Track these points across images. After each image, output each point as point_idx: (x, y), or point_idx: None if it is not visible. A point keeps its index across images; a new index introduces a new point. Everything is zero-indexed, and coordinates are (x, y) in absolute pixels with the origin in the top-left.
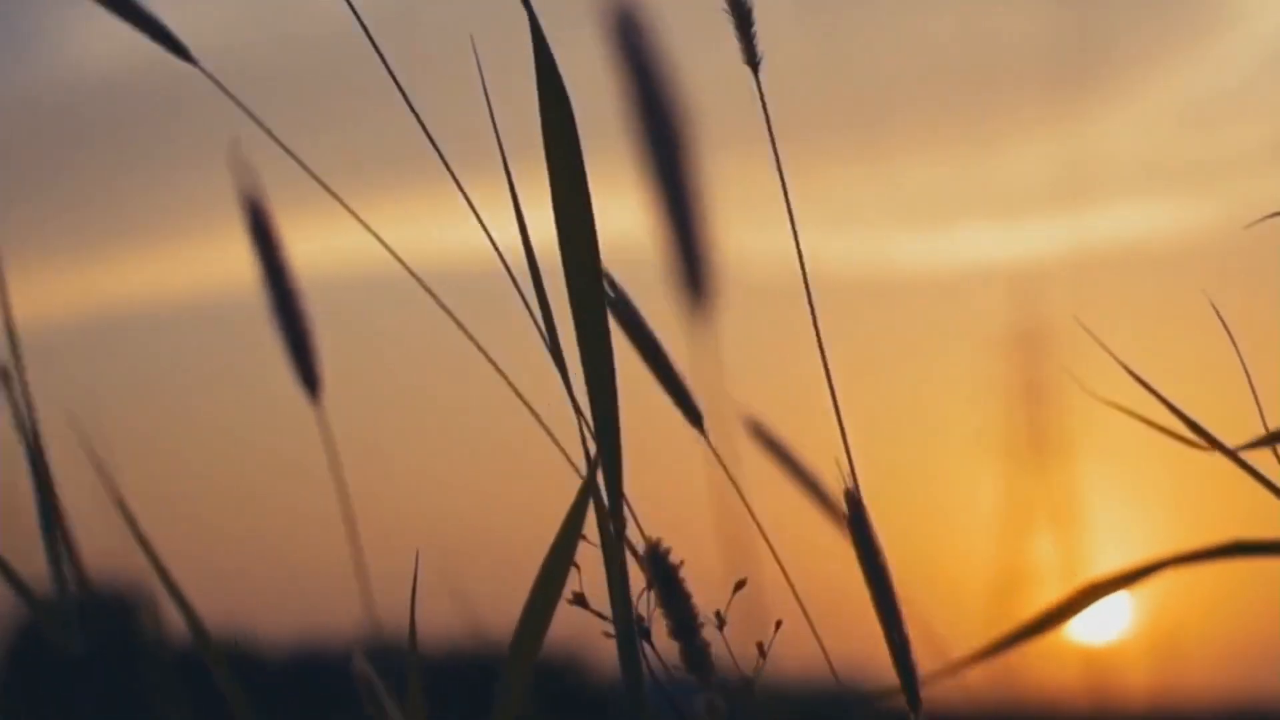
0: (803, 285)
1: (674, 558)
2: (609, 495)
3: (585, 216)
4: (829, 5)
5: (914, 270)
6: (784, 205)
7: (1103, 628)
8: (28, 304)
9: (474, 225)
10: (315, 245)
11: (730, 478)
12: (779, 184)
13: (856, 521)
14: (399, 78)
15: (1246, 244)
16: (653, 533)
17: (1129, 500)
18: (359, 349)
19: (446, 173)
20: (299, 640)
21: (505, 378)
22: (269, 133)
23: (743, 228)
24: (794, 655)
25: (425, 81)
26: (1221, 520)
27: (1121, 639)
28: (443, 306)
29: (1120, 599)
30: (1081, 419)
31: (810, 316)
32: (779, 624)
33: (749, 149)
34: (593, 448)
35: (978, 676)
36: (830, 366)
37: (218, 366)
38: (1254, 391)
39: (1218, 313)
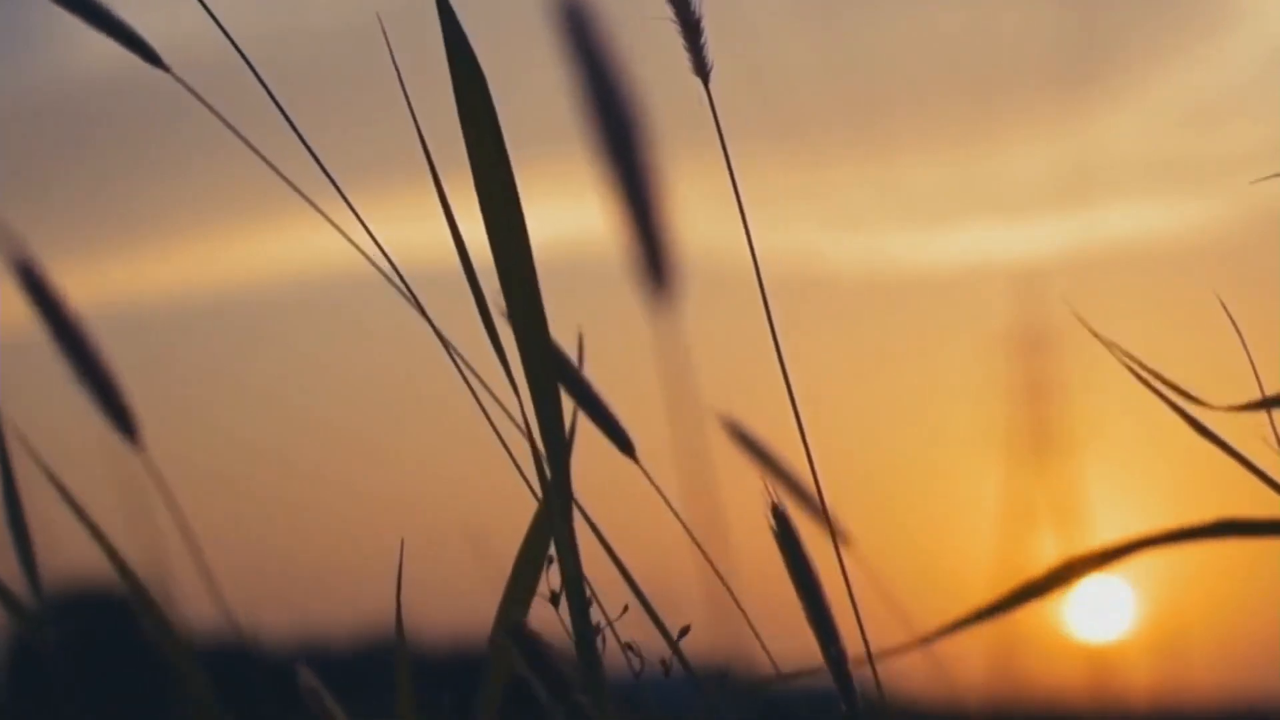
0: (758, 282)
1: (537, 637)
2: (557, 516)
3: (510, 198)
4: (832, 3)
5: (917, 268)
6: (736, 206)
7: (1105, 626)
8: (20, 303)
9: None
10: (317, 243)
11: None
12: (730, 184)
13: (785, 536)
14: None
15: (1250, 241)
16: (626, 541)
17: (1132, 498)
18: (361, 347)
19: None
20: (301, 639)
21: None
22: (240, 136)
23: (737, 227)
24: (775, 653)
25: (423, 81)
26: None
27: (1124, 637)
28: (414, 301)
29: (1122, 596)
30: (1085, 417)
31: (766, 313)
32: (685, 629)
33: (751, 149)
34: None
35: (981, 674)
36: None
37: (220, 364)
38: (1260, 386)
39: (1226, 310)
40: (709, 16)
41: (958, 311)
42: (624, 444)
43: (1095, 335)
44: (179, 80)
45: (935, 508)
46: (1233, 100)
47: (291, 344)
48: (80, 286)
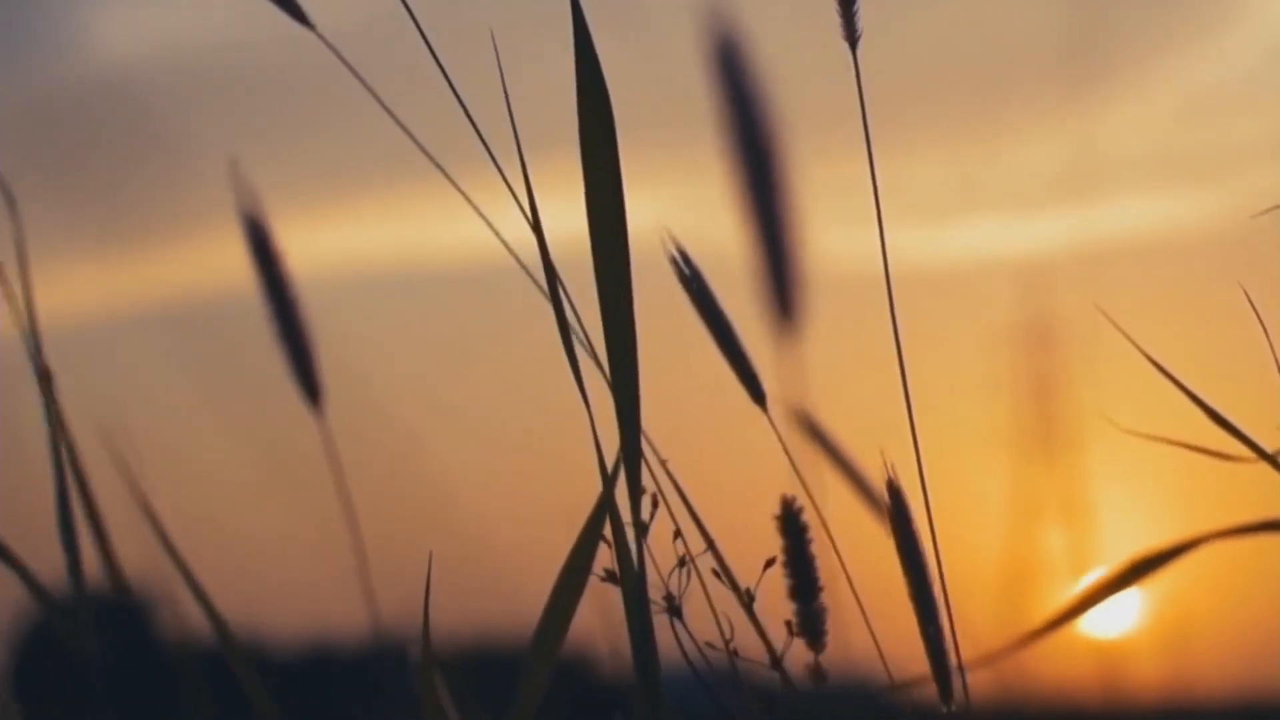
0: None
1: (805, 518)
2: (629, 491)
3: (617, 209)
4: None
5: (921, 264)
6: (872, 193)
7: (1112, 621)
8: (48, 305)
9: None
10: (326, 242)
11: (795, 469)
12: (869, 170)
13: (897, 513)
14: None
15: (1252, 237)
16: (700, 510)
17: (1139, 494)
18: (366, 347)
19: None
20: (307, 640)
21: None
22: (388, 110)
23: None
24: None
25: (436, 76)
26: (1232, 511)
27: (1131, 632)
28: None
29: (1129, 592)
30: (1091, 412)
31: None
32: (796, 633)
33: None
34: (603, 447)
35: (987, 669)
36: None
37: (237, 364)
38: None
39: (1250, 302)
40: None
41: (962, 307)
42: (758, 395)
43: (1124, 335)
44: (325, 42)
45: (941, 503)
46: (1236, 94)
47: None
48: (95, 287)
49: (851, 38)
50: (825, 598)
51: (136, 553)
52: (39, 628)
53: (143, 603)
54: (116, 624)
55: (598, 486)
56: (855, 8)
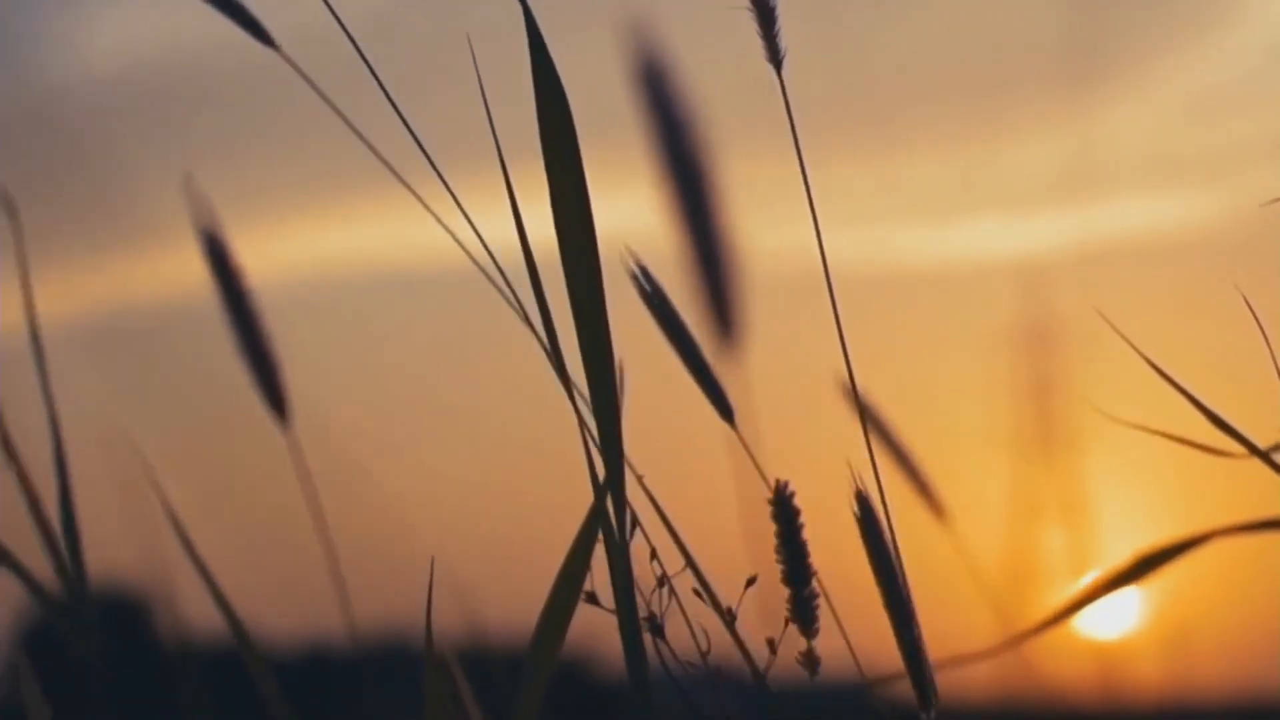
0: (823, 279)
1: (797, 503)
2: (612, 500)
3: (584, 216)
4: (834, 1)
5: (921, 264)
6: (806, 201)
7: (1112, 621)
8: (50, 304)
9: (466, 223)
10: (303, 247)
11: (760, 475)
12: (801, 180)
13: (867, 522)
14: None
15: (1252, 236)
16: (678, 526)
17: (1139, 494)
18: (341, 353)
19: (436, 172)
20: (303, 642)
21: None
22: (345, 120)
23: (754, 223)
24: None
25: (412, 81)
26: (1231, 511)
27: (1131, 633)
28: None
29: (1129, 592)
30: (1091, 412)
31: (833, 310)
32: (789, 620)
33: (759, 143)
34: (595, 455)
35: (988, 668)
36: (841, 360)
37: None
38: None
39: (1248, 304)
40: (713, 14)
41: (962, 307)
42: (726, 411)
43: (1122, 336)
44: (290, 62)
45: (942, 501)
46: (1236, 93)
47: (301, 344)
48: (93, 287)
49: (775, 59)
50: (817, 584)
51: (135, 553)
52: (39, 628)
53: (140, 603)
54: (114, 624)
55: (580, 494)
56: (776, 30)
